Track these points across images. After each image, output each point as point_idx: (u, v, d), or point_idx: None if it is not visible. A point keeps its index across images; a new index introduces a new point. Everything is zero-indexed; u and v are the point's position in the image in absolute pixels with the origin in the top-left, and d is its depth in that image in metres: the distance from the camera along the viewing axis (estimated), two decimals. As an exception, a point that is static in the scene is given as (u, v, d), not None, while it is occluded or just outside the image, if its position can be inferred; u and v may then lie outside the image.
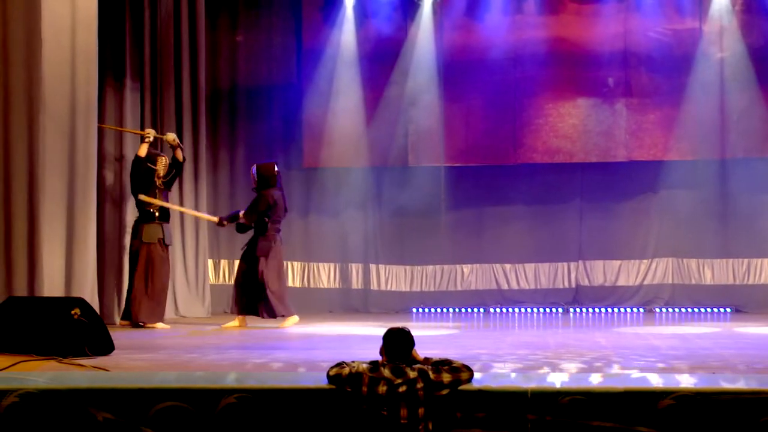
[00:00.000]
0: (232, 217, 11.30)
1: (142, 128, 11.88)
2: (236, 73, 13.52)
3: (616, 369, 6.94)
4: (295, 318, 11.04)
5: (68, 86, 9.93)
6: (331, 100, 13.32)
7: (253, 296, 10.89)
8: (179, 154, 11.35)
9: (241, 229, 11.29)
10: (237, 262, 11.32)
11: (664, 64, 12.90)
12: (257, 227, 11.03)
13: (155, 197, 11.05)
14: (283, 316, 10.94)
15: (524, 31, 13.15)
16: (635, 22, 12.97)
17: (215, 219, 11.55)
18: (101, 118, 10.97)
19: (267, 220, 10.97)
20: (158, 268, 11.04)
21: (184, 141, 12.34)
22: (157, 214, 11.08)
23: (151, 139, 11.23)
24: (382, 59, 13.33)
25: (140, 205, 11.07)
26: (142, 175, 11.05)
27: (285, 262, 13.53)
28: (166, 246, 11.18)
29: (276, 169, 11.13)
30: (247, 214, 11.06)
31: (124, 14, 11.68)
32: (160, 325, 10.91)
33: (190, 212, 12.08)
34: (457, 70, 13.24)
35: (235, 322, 10.95)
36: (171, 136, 11.42)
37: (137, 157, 11.12)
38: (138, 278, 10.93)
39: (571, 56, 13.03)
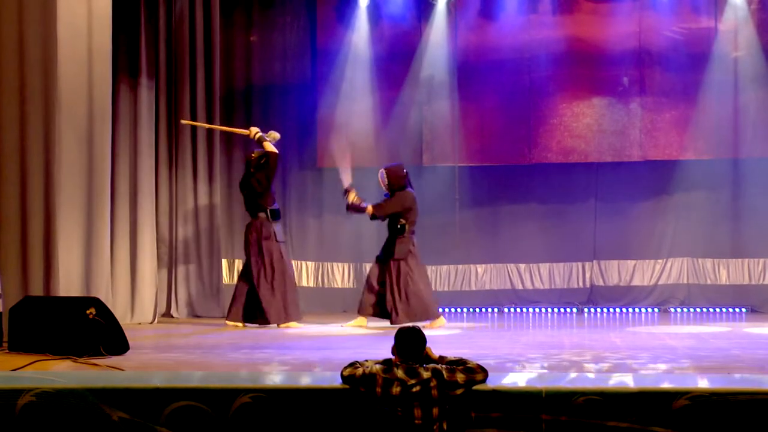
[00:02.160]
0: (356, 208, 11.02)
1: (157, 127, 11.90)
2: (251, 72, 13.54)
3: (631, 369, 6.92)
4: (443, 320, 10.92)
5: (84, 86, 9.97)
6: (345, 99, 13.32)
7: (384, 300, 10.72)
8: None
9: (351, 210, 11.09)
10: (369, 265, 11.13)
11: (679, 63, 12.86)
12: (392, 230, 10.88)
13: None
14: (426, 319, 10.74)
15: (539, 30, 13.13)
16: (650, 21, 12.93)
17: (346, 184, 11.17)
18: (115, 117, 11.00)
19: (404, 221, 10.80)
20: (285, 265, 10.97)
21: (198, 140, 12.37)
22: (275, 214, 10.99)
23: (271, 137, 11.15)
24: (396, 59, 13.32)
25: (257, 205, 10.99)
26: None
27: (299, 262, 13.60)
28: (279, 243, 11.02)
29: (405, 170, 11.02)
30: (378, 207, 10.87)
31: (138, 13, 11.71)
32: (294, 324, 10.84)
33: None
34: (472, 70, 13.23)
35: (357, 321, 10.89)
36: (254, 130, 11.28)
37: (275, 155, 11.03)
38: (265, 279, 10.83)
39: (586, 55, 13.01)
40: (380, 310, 10.79)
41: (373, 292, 10.82)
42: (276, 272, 10.83)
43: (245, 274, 11.05)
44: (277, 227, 11.01)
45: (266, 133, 11.23)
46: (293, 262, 13.55)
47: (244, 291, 10.96)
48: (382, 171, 11.02)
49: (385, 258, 10.84)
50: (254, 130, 11.24)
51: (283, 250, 11.01)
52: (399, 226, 10.84)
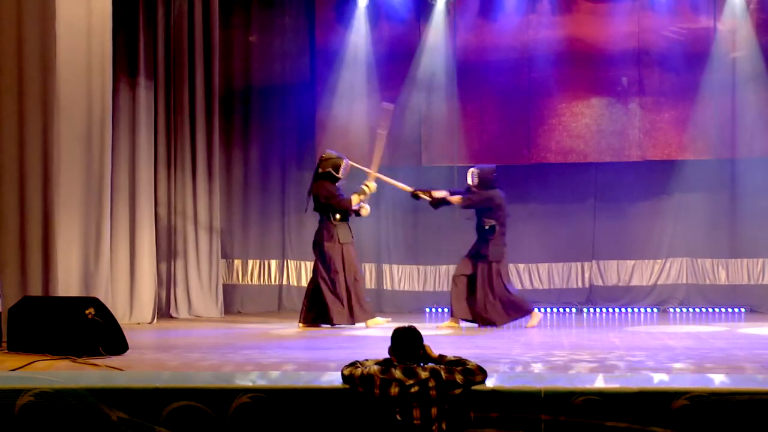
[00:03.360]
0: (440, 201, 10.93)
1: (156, 127, 11.90)
2: (250, 72, 13.54)
3: (630, 369, 6.92)
4: (539, 315, 10.85)
5: (83, 86, 9.97)
6: (344, 100, 13.32)
7: (478, 302, 10.66)
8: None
9: (439, 205, 11.02)
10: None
11: (678, 63, 12.86)
12: (481, 231, 10.78)
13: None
14: (520, 318, 10.73)
15: (538, 30, 13.13)
16: (649, 21, 12.93)
17: (409, 189, 11.15)
18: (115, 117, 10.99)
19: (493, 222, 10.71)
20: (357, 267, 10.91)
21: (197, 140, 12.37)
22: (339, 216, 10.83)
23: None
24: (396, 59, 13.32)
25: (320, 208, 10.85)
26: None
27: (299, 263, 13.60)
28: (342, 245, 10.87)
29: (495, 174, 10.94)
30: (467, 199, 10.77)
31: (137, 13, 11.71)
32: (376, 320, 10.77)
33: (395, 183, 11.49)
34: (471, 70, 13.22)
35: (449, 323, 10.84)
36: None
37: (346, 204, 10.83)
38: (346, 281, 10.71)
39: (585, 55, 13.00)
40: (472, 313, 10.71)
41: (464, 294, 10.73)
42: (339, 273, 10.72)
43: (313, 276, 10.97)
44: (341, 229, 10.85)
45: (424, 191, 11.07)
46: (292, 262, 13.58)
47: (312, 292, 10.86)
48: (473, 170, 10.95)
49: (476, 259, 10.74)
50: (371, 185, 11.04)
51: (346, 251, 10.81)
52: (488, 227, 10.74)
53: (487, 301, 10.60)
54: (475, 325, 10.69)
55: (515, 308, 10.69)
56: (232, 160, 13.40)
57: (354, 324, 10.67)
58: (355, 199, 10.85)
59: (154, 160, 11.96)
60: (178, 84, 12.24)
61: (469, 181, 10.92)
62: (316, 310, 10.77)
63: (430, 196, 11.02)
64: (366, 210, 11.05)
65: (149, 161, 11.82)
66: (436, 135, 13.33)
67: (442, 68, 13.26)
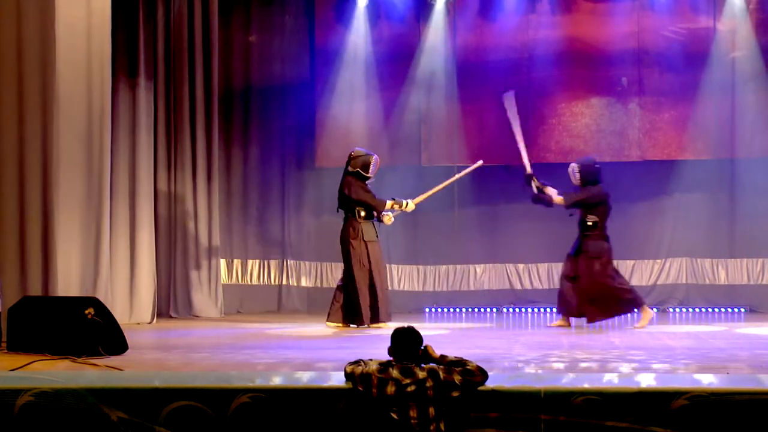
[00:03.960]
0: (542, 198, 10.83)
1: (156, 127, 11.89)
2: (249, 72, 13.55)
3: (629, 369, 6.92)
4: (649, 312, 10.76)
5: (83, 86, 9.97)
6: (344, 99, 13.34)
7: (581, 298, 10.61)
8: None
9: (538, 200, 10.92)
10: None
11: (677, 63, 12.88)
12: (584, 227, 10.70)
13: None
14: (625, 314, 10.67)
15: (537, 30, 13.14)
16: (649, 21, 12.94)
17: (528, 171, 10.97)
18: (114, 118, 10.99)
19: (596, 218, 10.62)
20: (383, 265, 10.89)
21: (197, 140, 12.37)
22: (364, 213, 10.74)
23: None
24: (395, 59, 13.34)
25: (346, 205, 10.75)
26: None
27: (298, 262, 13.59)
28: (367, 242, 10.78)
29: (597, 164, 10.83)
30: (567, 195, 10.68)
31: (137, 13, 11.71)
32: (388, 324, 10.61)
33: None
34: (471, 70, 13.24)
35: (559, 321, 10.84)
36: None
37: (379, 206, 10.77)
38: (374, 279, 10.62)
39: (585, 55, 13.02)
40: (578, 310, 10.66)
41: (570, 292, 10.68)
42: (363, 271, 10.63)
43: (343, 275, 10.88)
44: (366, 227, 10.75)
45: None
46: (292, 262, 13.58)
47: (340, 291, 10.75)
48: (573, 165, 10.85)
49: (577, 256, 10.69)
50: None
51: (371, 249, 10.70)
52: (591, 224, 10.66)
53: (590, 297, 10.51)
54: (584, 321, 10.63)
55: (620, 304, 10.54)
56: (231, 160, 13.40)
57: (377, 323, 10.61)
58: (388, 204, 10.81)
59: (154, 160, 11.96)
60: (177, 84, 12.24)
61: (572, 179, 10.79)
62: (344, 309, 10.67)
63: (539, 189, 10.87)
64: (390, 219, 10.97)
65: (149, 161, 11.82)
66: (435, 135, 13.35)
67: (441, 68, 13.28)
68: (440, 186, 11.29)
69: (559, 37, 13.08)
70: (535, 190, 10.88)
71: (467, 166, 11.60)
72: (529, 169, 10.99)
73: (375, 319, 10.59)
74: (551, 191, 10.82)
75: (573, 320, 10.75)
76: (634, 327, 10.58)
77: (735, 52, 12.87)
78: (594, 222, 10.62)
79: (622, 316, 10.72)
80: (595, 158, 11.07)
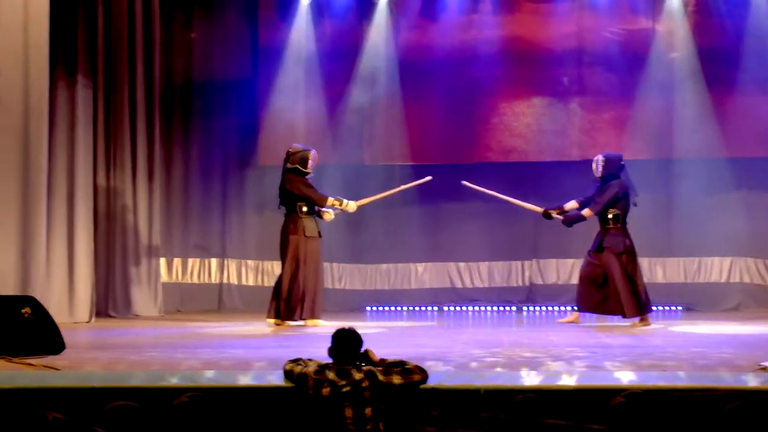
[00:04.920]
0: (573, 219, 10.88)
1: (95, 125, 11.78)
2: (191, 69, 13.47)
3: (568, 367, 6.97)
4: (649, 319, 10.72)
5: (20, 83, 9.85)
6: (287, 97, 13.31)
7: (600, 294, 10.64)
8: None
9: (572, 223, 10.95)
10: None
11: (617, 64, 13.00)
12: (604, 221, 10.70)
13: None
14: (643, 314, 10.65)
15: (480, 30, 13.20)
16: (589, 22, 13.05)
17: (539, 209, 11.11)
18: (52, 115, 10.87)
19: (616, 211, 10.63)
20: (321, 262, 10.84)
21: (137, 138, 12.27)
22: (305, 208, 10.70)
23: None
24: (338, 58, 13.33)
25: (303, 199, 10.67)
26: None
27: (240, 261, 13.53)
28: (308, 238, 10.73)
29: (622, 162, 10.83)
30: (595, 206, 10.67)
31: (77, 9, 11.58)
32: (320, 322, 10.64)
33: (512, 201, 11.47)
34: (414, 69, 13.27)
35: (571, 317, 10.88)
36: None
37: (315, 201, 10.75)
38: (304, 274, 10.58)
39: (527, 55, 13.10)
40: (595, 306, 10.70)
41: (589, 287, 10.71)
42: (301, 267, 10.61)
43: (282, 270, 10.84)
44: (307, 222, 10.72)
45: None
46: (232, 260, 13.52)
47: (277, 287, 10.75)
48: (599, 158, 10.83)
49: (598, 251, 10.70)
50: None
51: (311, 245, 10.68)
52: (612, 216, 10.68)
53: (609, 292, 10.56)
54: (607, 317, 10.71)
55: (638, 303, 10.59)
56: (172, 158, 13.32)
57: (313, 319, 10.62)
58: (329, 201, 10.80)
59: (93, 158, 11.84)
60: (118, 81, 12.13)
61: (594, 170, 10.82)
62: (281, 305, 10.65)
63: (562, 214, 10.97)
64: (330, 216, 10.99)
65: (88, 159, 11.69)
66: (378, 133, 13.36)
67: (384, 67, 13.30)
68: (384, 194, 11.36)
69: (501, 36, 13.14)
70: (560, 218, 10.99)
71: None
72: (541, 210, 11.12)
73: (311, 315, 10.60)
74: (572, 207, 10.95)
75: (583, 317, 10.92)
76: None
77: (673, 52, 13.01)
78: (615, 215, 10.71)
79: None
80: (621, 155, 11.08)
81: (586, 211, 10.82)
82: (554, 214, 11.03)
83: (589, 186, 13.07)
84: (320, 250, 10.85)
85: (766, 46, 12.76)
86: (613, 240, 10.64)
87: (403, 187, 11.47)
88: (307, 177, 10.76)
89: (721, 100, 12.85)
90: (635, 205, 10.88)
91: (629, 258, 10.67)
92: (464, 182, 11.45)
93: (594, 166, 10.84)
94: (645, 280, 13.10)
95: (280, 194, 10.82)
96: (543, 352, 8.00)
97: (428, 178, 11.35)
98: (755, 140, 12.81)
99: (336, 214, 11.02)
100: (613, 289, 10.58)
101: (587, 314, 11.00)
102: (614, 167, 10.75)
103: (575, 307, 10.98)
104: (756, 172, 12.94)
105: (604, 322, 10.92)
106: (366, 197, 11.28)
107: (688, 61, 12.91)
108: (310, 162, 10.74)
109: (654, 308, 12.54)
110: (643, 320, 10.67)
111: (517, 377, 6.03)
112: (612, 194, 10.66)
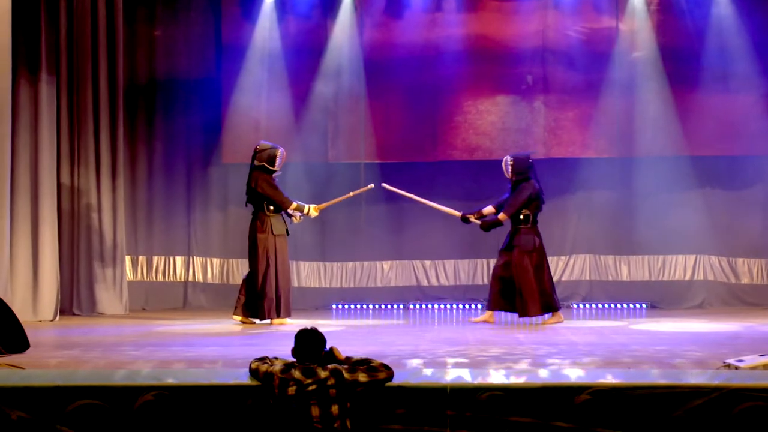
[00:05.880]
0: (490, 224, 10.95)
1: (59, 123, 11.71)
2: (155, 67, 13.39)
3: (534, 365, 7.00)
4: (560, 316, 10.80)
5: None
6: (251, 95, 13.26)
7: (511, 293, 10.67)
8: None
9: (489, 228, 11.02)
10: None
11: (581, 62, 13.04)
12: (515, 219, 10.78)
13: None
14: (550, 312, 10.73)
15: (444, 28, 13.21)
16: (554, 20, 13.08)
17: (457, 214, 11.19)
18: (15, 113, 10.79)
19: (528, 212, 10.72)
20: (288, 260, 10.80)
21: (101, 136, 12.19)
22: (273, 207, 10.69)
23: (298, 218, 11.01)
24: (303, 56, 13.29)
25: (268, 199, 10.65)
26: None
27: (204, 259, 13.49)
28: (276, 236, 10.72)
29: (531, 160, 10.91)
30: (508, 208, 10.74)
31: (38, 6, 11.49)
32: (288, 320, 10.61)
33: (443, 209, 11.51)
34: (378, 67, 13.25)
35: (484, 316, 10.83)
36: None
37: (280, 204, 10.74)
38: (275, 273, 10.57)
39: (491, 53, 13.12)
40: (508, 304, 10.73)
41: (499, 285, 10.75)
42: (270, 266, 10.61)
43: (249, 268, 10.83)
44: (275, 220, 10.71)
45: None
46: (198, 258, 13.47)
47: (248, 285, 10.72)
48: (507, 158, 10.91)
49: (509, 249, 10.77)
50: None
51: (279, 243, 10.68)
52: (522, 217, 10.78)
53: (521, 292, 10.61)
54: (516, 316, 10.74)
55: (545, 303, 10.68)
56: (136, 156, 13.25)
57: (279, 318, 10.60)
58: (292, 206, 10.80)
59: (57, 156, 11.77)
60: (81, 79, 12.05)
61: (504, 171, 10.90)
62: (248, 303, 10.66)
63: (480, 219, 11.07)
64: (298, 219, 11.04)
65: (51, 157, 11.62)
66: (342, 131, 13.34)
67: (349, 65, 13.27)
68: (336, 200, 11.41)
69: (465, 34, 13.15)
70: (477, 223, 11.09)
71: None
72: (458, 214, 11.22)
73: (277, 314, 10.59)
74: (489, 212, 11.06)
75: (500, 315, 10.88)
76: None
77: (636, 52, 13.09)
78: (525, 216, 10.79)
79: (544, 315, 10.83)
80: (530, 153, 11.22)
81: (501, 216, 10.92)
82: (472, 219, 11.16)
83: (550, 183, 13.19)
84: (287, 248, 10.86)
85: (727, 45, 12.86)
86: (524, 239, 10.77)
87: (351, 193, 11.49)
88: (274, 175, 10.75)
89: (684, 98, 12.93)
90: (543, 202, 11.02)
91: (538, 257, 10.80)
92: (384, 184, 11.59)
93: (504, 167, 10.96)
94: (610, 278, 13.26)
95: (247, 192, 10.81)
96: (509, 350, 8.04)
97: (370, 185, 11.41)
98: (717, 138, 12.90)
99: (302, 216, 11.04)
100: (519, 287, 10.66)
101: (502, 313, 11.03)
102: (523, 168, 10.87)
103: (484, 305, 11.01)
104: (719, 170, 13.03)
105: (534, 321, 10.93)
106: (327, 200, 11.39)
107: (650, 60, 12.98)
108: (277, 160, 10.74)
109: (576, 306, 12.73)
110: (555, 316, 10.78)
111: (482, 375, 6.05)
112: (525, 197, 10.79)
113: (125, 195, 12.65)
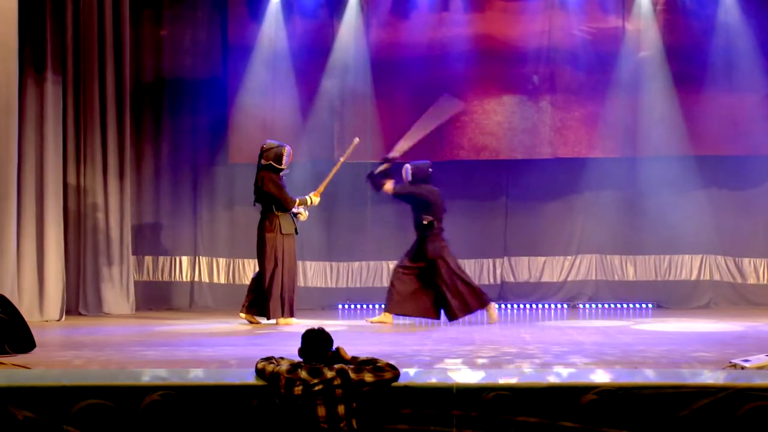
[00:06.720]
0: (377, 181, 10.99)
1: (65, 123, 11.72)
2: (161, 67, 13.41)
3: (540, 365, 6.99)
4: (494, 308, 10.90)
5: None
6: (257, 95, 13.26)
7: (437, 298, 10.71)
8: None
9: (375, 181, 11.05)
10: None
11: (588, 62, 13.02)
12: (420, 228, 10.85)
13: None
14: (479, 309, 10.80)
15: (450, 28, 13.20)
16: (560, 20, 13.07)
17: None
18: (22, 113, 10.80)
19: (431, 218, 10.78)
20: (295, 260, 10.85)
21: (107, 135, 12.21)
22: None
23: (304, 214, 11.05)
24: (309, 55, 13.30)
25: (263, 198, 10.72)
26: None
27: (211, 259, 13.50)
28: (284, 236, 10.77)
29: (430, 169, 11.02)
30: (398, 187, 10.87)
31: (45, 6, 11.51)
32: (294, 320, 10.65)
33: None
34: (384, 67, 13.25)
35: (382, 317, 10.86)
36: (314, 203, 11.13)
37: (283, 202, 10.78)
38: (283, 273, 10.62)
39: (497, 53, 13.11)
40: (417, 309, 10.77)
41: (407, 291, 10.77)
42: (278, 265, 10.64)
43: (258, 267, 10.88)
44: (283, 220, 10.75)
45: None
46: (204, 258, 13.48)
47: (255, 284, 10.78)
48: (407, 166, 11.03)
49: (418, 257, 10.81)
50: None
51: (287, 243, 10.73)
52: (426, 223, 10.83)
53: (441, 295, 10.65)
54: (420, 320, 10.78)
55: (473, 301, 10.74)
56: (143, 156, 13.27)
57: (285, 318, 10.62)
58: (297, 202, 10.84)
59: (63, 156, 11.79)
60: (87, 79, 12.07)
61: (404, 178, 11.05)
62: (255, 302, 10.71)
63: (383, 173, 11.10)
64: (304, 216, 11.06)
65: (57, 157, 11.64)
66: (349, 131, 13.32)
67: (355, 65, 13.27)
68: (332, 171, 11.42)
69: (472, 34, 13.14)
70: (376, 171, 11.11)
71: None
72: (394, 154, 11.27)
73: (283, 313, 10.60)
74: (389, 182, 11.09)
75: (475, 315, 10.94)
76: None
77: (643, 51, 13.07)
78: (429, 222, 10.86)
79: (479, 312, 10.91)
80: (429, 163, 11.29)
81: (389, 186, 11.00)
82: (384, 166, 11.14)
83: (556, 183, 13.18)
84: (295, 247, 10.88)
85: (733, 45, 12.84)
86: (433, 246, 10.80)
87: (341, 159, 11.49)
88: (281, 173, 10.76)
89: (690, 98, 12.91)
90: (445, 210, 11.08)
91: (452, 259, 10.84)
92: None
93: (403, 174, 11.07)
94: (616, 278, 13.26)
95: (255, 191, 10.83)
96: (515, 350, 8.03)
97: (356, 140, 11.46)
98: (724, 138, 12.88)
99: (308, 210, 11.07)
100: (439, 292, 10.70)
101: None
102: (422, 175, 11.00)
103: (384, 307, 10.99)
104: (725, 170, 13.02)
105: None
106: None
107: (656, 60, 12.96)
108: (284, 158, 10.75)
109: (582, 305, 12.74)
110: (489, 309, 10.85)
111: (488, 375, 6.04)
112: (416, 192, 10.90)
113: (132, 195, 12.67)
